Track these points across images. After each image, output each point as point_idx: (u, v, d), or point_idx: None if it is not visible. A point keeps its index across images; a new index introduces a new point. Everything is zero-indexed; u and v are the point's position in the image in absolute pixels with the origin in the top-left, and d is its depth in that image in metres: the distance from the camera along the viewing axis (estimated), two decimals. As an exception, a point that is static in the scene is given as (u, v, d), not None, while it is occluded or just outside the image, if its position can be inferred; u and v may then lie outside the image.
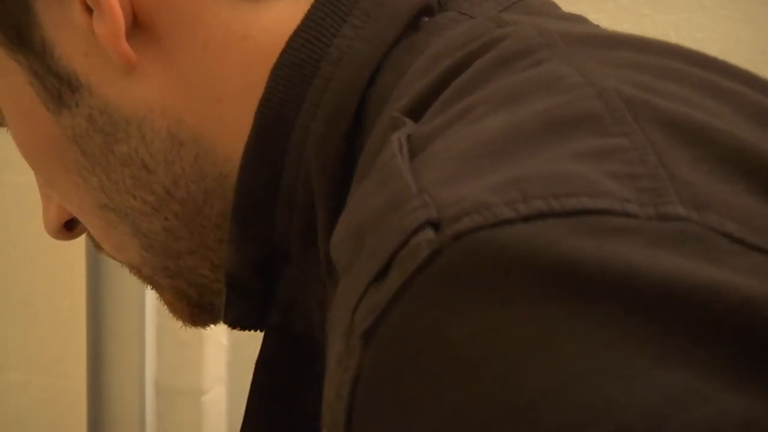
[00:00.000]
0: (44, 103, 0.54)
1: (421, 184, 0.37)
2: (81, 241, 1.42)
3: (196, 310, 0.59)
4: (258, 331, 0.56)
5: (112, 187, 0.54)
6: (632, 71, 0.41)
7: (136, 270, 0.59)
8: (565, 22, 0.49)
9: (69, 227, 0.61)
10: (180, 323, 0.61)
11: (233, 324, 0.56)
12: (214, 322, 0.60)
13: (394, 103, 0.47)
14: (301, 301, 0.54)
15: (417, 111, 0.44)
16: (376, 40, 0.50)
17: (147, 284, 0.60)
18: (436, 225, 0.35)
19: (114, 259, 0.60)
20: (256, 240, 0.52)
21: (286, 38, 0.51)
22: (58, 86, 0.53)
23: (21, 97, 0.55)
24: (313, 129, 0.50)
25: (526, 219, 0.33)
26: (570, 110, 0.38)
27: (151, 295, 1.43)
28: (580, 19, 0.53)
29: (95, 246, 0.61)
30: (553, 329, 0.32)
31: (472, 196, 0.35)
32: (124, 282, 1.43)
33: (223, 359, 1.47)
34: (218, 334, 1.44)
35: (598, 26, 0.50)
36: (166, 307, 0.61)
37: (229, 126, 0.52)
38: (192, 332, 1.46)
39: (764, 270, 0.32)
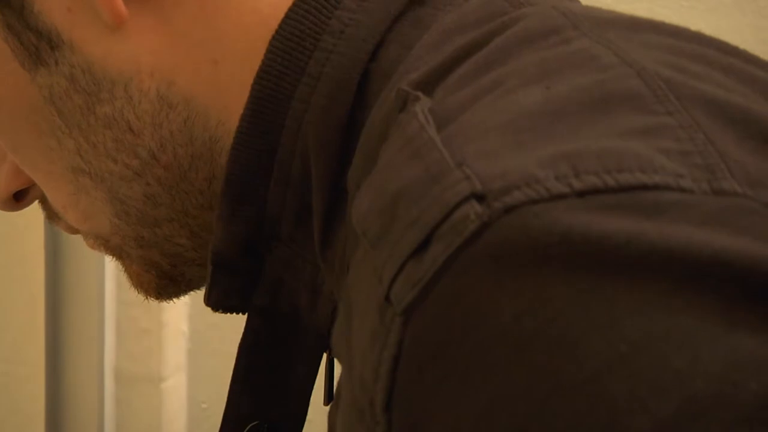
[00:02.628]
0: (19, 60, 0.50)
1: (458, 157, 0.36)
2: (39, 226, 1.41)
3: (164, 282, 0.57)
4: (240, 313, 0.55)
5: (90, 150, 0.52)
6: (663, 53, 0.40)
7: (102, 241, 0.56)
8: (577, 4, 0.48)
9: (17, 197, 0.58)
10: (140, 305, 0.60)
11: (216, 306, 0.54)
12: (181, 294, 0.58)
13: (401, 77, 0.46)
14: (289, 281, 0.52)
15: (428, 86, 0.43)
16: (379, 13, 0.49)
17: (111, 256, 0.58)
18: (480, 198, 0.34)
19: (73, 231, 0.58)
20: (247, 216, 0.51)
21: (285, 6, 0.49)
22: (37, 43, 0.50)
23: None
24: (313, 103, 0.48)
25: (580, 194, 0.33)
26: (611, 87, 0.37)
27: (110, 282, 1.43)
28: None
29: (50, 218, 0.59)
30: (614, 302, 0.31)
31: (519, 169, 0.34)
32: (83, 268, 1.42)
33: (183, 346, 1.46)
34: (178, 321, 1.43)
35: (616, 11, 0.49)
36: (129, 279, 0.59)
37: (223, 88, 0.50)
38: (152, 319, 1.46)
39: None
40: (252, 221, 0.51)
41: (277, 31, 0.49)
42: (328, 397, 0.58)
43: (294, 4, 0.49)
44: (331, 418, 0.48)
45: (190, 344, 1.46)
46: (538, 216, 0.32)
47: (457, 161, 0.36)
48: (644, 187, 0.33)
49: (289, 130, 0.49)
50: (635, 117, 0.36)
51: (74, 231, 0.58)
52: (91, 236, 0.57)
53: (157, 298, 0.59)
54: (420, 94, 0.42)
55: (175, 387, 1.47)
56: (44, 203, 0.57)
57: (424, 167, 0.37)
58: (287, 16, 0.49)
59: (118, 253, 0.57)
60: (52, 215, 0.58)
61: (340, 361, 0.46)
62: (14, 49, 0.50)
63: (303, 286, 0.52)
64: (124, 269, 0.59)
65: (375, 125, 0.46)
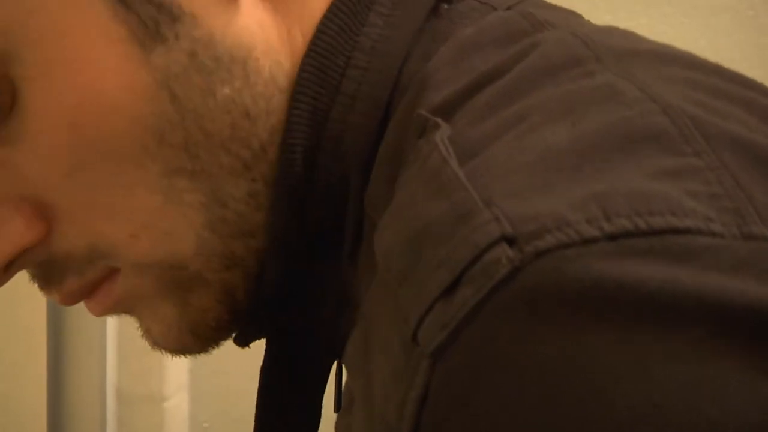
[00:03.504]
0: (138, 38, 0.44)
1: (486, 195, 0.35)
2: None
3: (229, 319, 0.51)
4: (261, 339, 0.54)
5: (202, 141, 0.46)
6: (687, 88, 0.40)
7: (174, 270, 0.49)
8: (594, 29, 0.47)
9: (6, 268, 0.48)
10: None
11: (244, 339, 0.52)
12: (226, 338, 0.53)
13: (417, 94, 0.46)
14: (315, 300, 0.52)
15: (447, 112, 0.42)
16: (405, 27, 0.48)
17: (173, 291, 0.50)
18: (510, 241, 0.33)
19: (73, 300, 0.50)
20: (290, 241, 0.49)
21: (314, 22, 0.48)
22: (157, 15, 0.44)
23: (92, 39, 0.44)
24: (350, 122, 0.47)
25: (612, 238, 0.32)
26: (637, 126, 0.37)
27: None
28: (575, 15, 0.51)
29: (48, 285, 0.49)
30: (645, 352, 0.31)
31: (549, 212, 0.34)
32: (85, 287, 1.41)
33: (185, 366, 1.46)
34: (180, 339, 1.43)
35: (633, 34, 0.48)
36: (175, 330, 0.51)
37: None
38: (154, 338, 1.45)
39: None
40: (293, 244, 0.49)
41: (309, 48, 0.48)
42: (338, 405, 0.57)
43: (325, 17, 0.48)
44: (339, 428, 0.48)
45: (191, 364, 1.46)
46: (570, 261, 0.32)
47: (484, 200, 0.35)
48: (675, 231, 0.32)
49: (327, 151, 0.48)
50: (663, 157, 0.35)
51: (74, 300, 0.50)
52: (155, 269, 0.49)
53: (211, 343, 0.53)
54: (439, 120, 0.41)
55: (177, 406, 1.46)
56: (42, 268, 0.49)
57: (450, 205, 0.36)
58: (319, 30, 0.48)
59: (186, 284, 0.50)
60: (51, 281, 0.49)
61: (350, 375, 0.46)
62: (132, 26, 0.44)
63: (329, 296, 0.51)
64: (183, 308, 0.51)
65: (390, 146, 0.45)
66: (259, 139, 0.47)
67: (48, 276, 0.49)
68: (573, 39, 0.43)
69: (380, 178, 0.46)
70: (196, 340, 0.51)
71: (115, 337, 1.44)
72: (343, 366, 0.50)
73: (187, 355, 0.53)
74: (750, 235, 0.33)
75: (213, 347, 0.52)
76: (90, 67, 0.44)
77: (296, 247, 0.49)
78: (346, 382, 0.48)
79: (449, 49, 0.47)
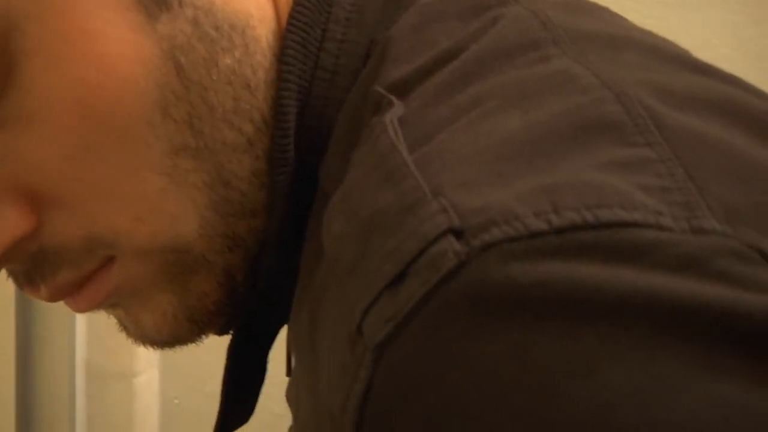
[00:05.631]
0: (143, 6, 0.43)
1: (434, 185, 0.35)
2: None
3: (228, 302, 0.50)
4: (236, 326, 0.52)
5: (206, 114, 0.44)
6: (642, 75, 0.39)
7: (177, 254, 0.47)
8: (559, 6, 0.46)
9: None
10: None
11: (228, 323, 0.51)
12: (221, 323, 0.52)
13: (378, 64, 0.45)
14: (279, 284, 0.51)
15: (404, 89, 0.42)
16: None
17: (174, 277, 0.48)
18: (458, 233, 0.33)
19: (55, 297, 0.48)
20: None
21: None
22: None
23: (97, 9, 0.42)
24: (333, 97, 0.46)
25: (559, 231, 0.32)
26: (590, 115, 0.36)
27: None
28: None
29: (29, 283, 0.47)
30: (591, 351, 0.30)
31: (498, 204, 0.33)
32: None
33: (156, 341, 1.46)
34: (151, 315, 1.43)
35: (598, 10, 0.47)
36: (180, 313, 0.49)
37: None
38: (124, 314, 1.44)
39: None
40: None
41: (290, 22, 0.47)
42: (289, 369, 0.56)
43: None
44: (290, 393, 0.48)
45: (162, 339, 1.46)
46: (517, 256, 0.32)
47: (433, 190, 0.35)
48: (624, 225, 0.32)
49: (311, 129, 0.47)
50: (615, 148, 0.35)
51: (63, 295, 0.48)
52: (157, 254, 0.47)
53: (207, 330, 0.51)
54: (394, 99, 0.41)
55: (148, 382, 1.46)
56: (30, 263, 0.47)
57: (398, 194, 0.36)
58: (296, 2, 0.47)
59: (188, 270, 0.48)
60: (39, 276, 0.47)
61: (296, 356, 0.46)
62: None
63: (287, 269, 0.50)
64: (182, 294, 0.49)
65: (349, 118, 0.45)
66: (260, 111, 0.46)
67: (35, 271, 0.47)
68: (532, 18, 0.43)
69: (337, 150, 0.45)
70: (191, 328, 0.50)
71: (85, 313, 1.43)
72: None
73: (176, 346, 0.51)
74: (700, 230, 0.32)
75: (205, 334, 0.51)
76: (96, 37, 0.42)
77: (292, 227, 0.48)
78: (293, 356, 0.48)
79: (411, 17, 0.46)
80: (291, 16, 0.47)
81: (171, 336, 0.50)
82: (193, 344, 0.53)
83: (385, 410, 0.33)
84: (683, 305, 0.30)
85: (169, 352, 0.50)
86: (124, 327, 0.51)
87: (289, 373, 0.56)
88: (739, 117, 0.38)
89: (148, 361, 1.45)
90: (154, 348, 0.51)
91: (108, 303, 0.49)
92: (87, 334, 1.43)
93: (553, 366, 0.30)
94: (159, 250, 0.47)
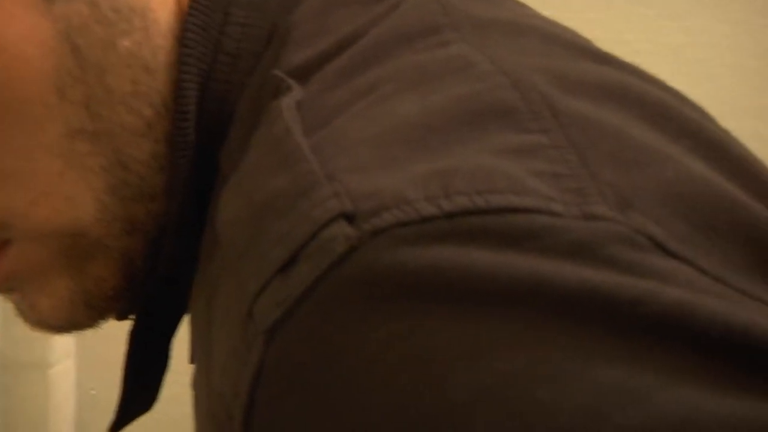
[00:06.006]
0: None
1: (328, 170, 0.35)
2: None
3: (126, 287, 0.49)
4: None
5: (104, 97, 0.44)
6: (540, 62, 0.39)
7: (74, 237, 0.47)
8: None
9: None
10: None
11: (128, 309, 0.50)
12: (119, 308, 0.51)
13: (280, 47, 0.44)
14: (182, 269, 0.50)
15: (304, 74, 0.42)
16: None
17: (71, 261, 0.47)
18: (350, 218, 0.33)
19: (21, 234, 0.47)
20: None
21: None
22: None
23: None
24: (234, 82, 0.46)
25: (450, 216, 0.32)
26: (486, 100, 0.36)
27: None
28: None
29: None
30: (479, 336, 0.30)
31: (390, 188, 0.33)
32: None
33: (72, 332, 1.44)
34: (67, 306, 1.41)
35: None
36: (77, 297, 0.48)
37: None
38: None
39: (683, 278, 0.32)
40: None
41: (191, 5, 0.46)
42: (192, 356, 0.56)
43: None
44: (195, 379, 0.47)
45: (78, 330, 1.44)
46: (407, 241, 0.32)
47: (327, 174, 0.35)
48: (514, 210, 0.32)
49: (212, 114, 0.46)
50: (509, 134, 0.35)
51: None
52: (53, 238, 0.47)
53: (105, 315, 0.50)
54: (293, 83, 0.41)
55: (63, 373, 1.44)
56: None
57: (292, 178, 0.36)
58: None
59: (86, 254, 0.48)
60: None
61: (193, 340, 0.46)
62: None
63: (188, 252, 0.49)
64: (77, 280, 0.48)
65: (249, 102, 0.44)
66: (160, 94, 0.46)
67: None
68: (433, 4, 0.43)
69: (237, 134, 0.45)
70: (88, 313, 0.49)
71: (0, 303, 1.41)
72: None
73: (73, 332, 0.51)
74: (591, 216, 0.33)
75: (104, 320, 0.51)
76: None
77: (193, 211, 0.48)
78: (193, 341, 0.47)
79: (314, 1, 0.46)
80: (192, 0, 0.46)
81: (68, 321, 0.49)
82: (111, 333, 0.52)
83: (275, 393, 0.33)
84: (571, 291, 0.31)
85: (85, 342, 0.50)
86: (21, 312, 0.51)
87: (191, 360, 0.55)
88: (634, 104, 0.38)
89: (63, 351, 1.43)
90: (50, 332, 0.51)
91: (5, 287, 0.49)
92: (2, 326, 1.41)
93: (441, 349, 0.30)
94: (55, 234, 0.46)
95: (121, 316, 0.51)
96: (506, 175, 0.33)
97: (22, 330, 1.52)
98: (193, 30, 0.46)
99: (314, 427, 0.32)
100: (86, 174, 0.45)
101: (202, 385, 0.44)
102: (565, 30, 0.44)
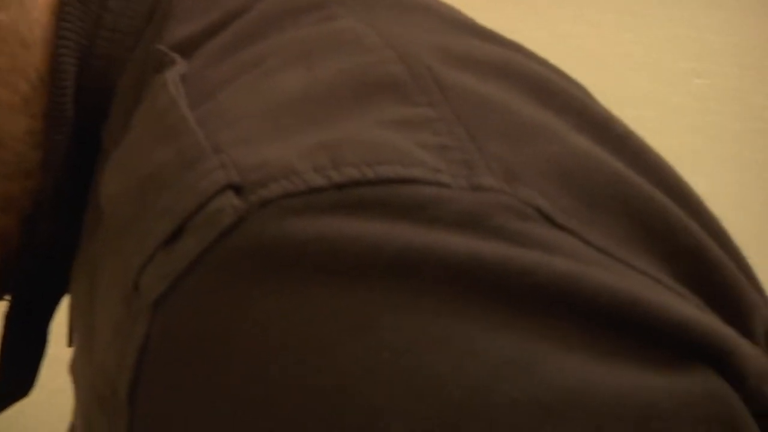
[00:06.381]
0: None
1: (215, 142, 0.34)
2: None
3: (2, 266, 0.48)
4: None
5: None
6: (426, 37, 0.40)
7: None
8: None
9: None
10: None
11: (2, 292, 0.48)
12: None
13: (162, 21, 0.44)
14: (61, 249, 0.48)
15: (188, 48, 0.41)
16: None
17: None
18: (237, 189, 0.32)
19: None
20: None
21: None
22: None
23: None
24: (116, 57, 0.45)
25: (339, 187, 0.32)
26: (373, 74, 0.36)
27: None
28: None
29: None
30: (368, 308, 0.30)
31: (277, 160, 0.33)
32: None
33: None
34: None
35: None
36: None
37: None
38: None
39: (569, 249, 0.32)
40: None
41: None
42: (71, 339, 0.54)
43: None
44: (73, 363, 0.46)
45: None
46: (295, 212, 0.32)
47: (213, 146, 0.34)
48: (402, 181, 0.32)
49: (91, 91, 0.45)
50: (396, 107, 0.35)
51: None
52: None
53: None
54: (176, 57, 0.40)
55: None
56: None
57: (177, 150, 0.35)
58: None
59: None
60: None
61: (75, 319, 0.45)
62: None
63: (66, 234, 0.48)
64: None
65: (132, 77, 0.44)
66: (37, 70, 0.44)
67: None
68: None
69: (120, 110, 0.44)
70: None
71: None
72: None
73: None
74: (479, 187, 0.33)
75: None
76: None
77: (73, 189, 0.47)
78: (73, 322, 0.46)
79: None
80: None
81: None
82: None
83: (160, 367, 0.33)
84: (460, 261, 0.31)
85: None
86: None
87: (70, 343, 0.54)
88: (517, 79, 0.39)
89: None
90: None
91: None
92: None
93: (329, 321, 0.30)
94: None
95: None
96: (394, 147, 0.33)
97: None
98: (71, 4, 0.45)
99: (200, 400, 0.31)
100: None
101: (83, 366, 0.43)
102: (448, 7, 0.45)
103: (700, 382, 0.31)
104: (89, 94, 0.45)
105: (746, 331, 0.36)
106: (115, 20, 0.45)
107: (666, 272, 0.35)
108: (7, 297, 0.51)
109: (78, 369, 0.45)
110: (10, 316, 0.50)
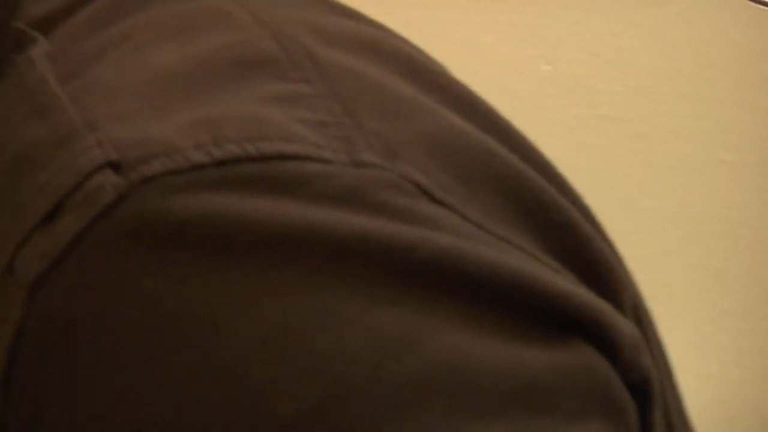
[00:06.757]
0: None
1: (89, 119, 0.34)
2: None
3: None
4: None
5: None
6: (297, 15, 0.39)
7: None
8: None
9: None
10: None
11: None
12: None
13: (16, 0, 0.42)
14: None
15: (49, 25, 0.40)
16: None
17: None
18: (116, 167, 0.32)
19: None
20: None
21: None
22: None
23: None
24: None
25: (221, 163, 0.32)
26: (246, 51, 0.36)
27: None
28: None
29: None
30: (254, 284, 0.30)
31: (157, 137, 0.32)
32: None
33: None
34: None
35: None
36: None
37: None
38: None
39: (450, 224, 0.33)
40: None
41: None
42: None
43: None
44: None
45: None
46: (178, 189, 0.31)
47: (87, 124, 0.34)
48: (285, 157, 0.32)
49: None
50: (272, 83, 0.35)
51: None
52: None
53: None
54: (38, 35, 0.39)
55: None
56: None
57: (49, 127, 0.34)
58: None
59: None
60: None
61: None
62: None
63: None
64: None
65: None
66: None
67: None
68: None
69: None
70: None
71: None
72: None
73: None
74: (360, 163, 0.33)
75: None
76: None
77: None
78: None
79: None
80: None
81: None
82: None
83: (38, 351, 0.32)
84: (345, 238, 0.31)
85: None
86: None
87: None
88: (387, 57, 0.39)
89: None
90: None
91: None
92: None
93: (212, 299, 0.30)
94: None
95: None
96: (274, 123, 0.33)
97: None
98: None
99: (81, 383, 0.31)
100: None
101: None
102: None
103: (579, 357, 0.32)
104: None
105: (617, 305, 0.37)
106: None
107: (540, 248, 0.35)
108: None
109: None
110: None
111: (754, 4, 1.29)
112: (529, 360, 0.31)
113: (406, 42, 0.42)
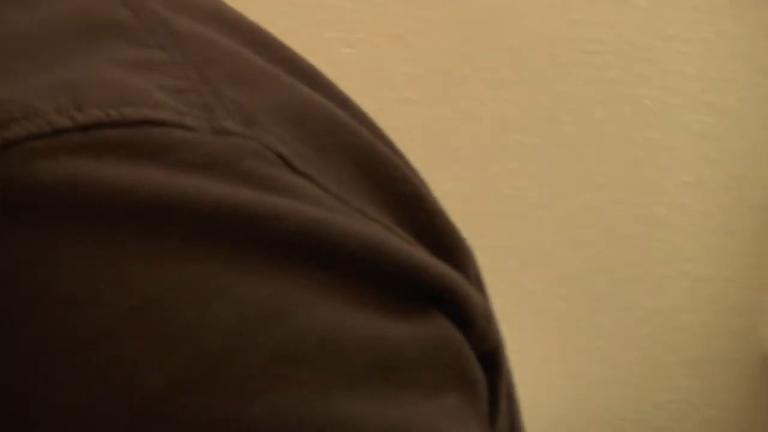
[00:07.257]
0: None
1: None
2: None
3: None
4: None
5: None
6: None
7: None
8: None
9: None
10: None
11: None
12: None
13: None
14: None
15: None
16: None
17: None
18: None
19: None
20: None
21: None
22: None
23: None
24: None
25: (84, 128, 0.31)
26: (98, 16, 0.35)
27: None
28: None
29: None
30: (123, 254, 0.29)
31: (15, 100, 0.31)
32: None
33: None
34: None
35: None
36: None
37: None
38: None
39: (312, 195, 0.33)
40: None
41: None
42: None
43: None
44: None
45: None
46: (41, 154, 0.30)
47: None
48: (150, 123, 0.31)
49: None
50: (128, 49, 0.34)
51: None
52: None
53: None
54: None
55: None
56: None
57: None
58: None
59: None
60: None
61: None
62: None
63: None
64: None
65: None
66: None
67: None
68: None
69: None
70: None
71: None
72: None
73: None
74: (221, 130, 0.32)
75: None
76: None
77: None
78: None
79: None
80: None
81: None
82: None
83: None
84: (212, 207, 0.30)
85: None
86: None
87: None
88: (234, 29, 0.39)
89: None
90: None
91: None
92: None
93: (82, 269, 0.29)
94: None
95: None
96: (136, 88, 0.32)
97: None
98: None
99: None
100: None
101: None
102: None
103: (437, 329, 0.33)
104: None
105: (466, 277, 0.37)
106: None
107: (392, 220, 0.35)
108: None
109: None
110: None
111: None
112: (394, 333, 0.31)
113: (242, 14, 0.42)
